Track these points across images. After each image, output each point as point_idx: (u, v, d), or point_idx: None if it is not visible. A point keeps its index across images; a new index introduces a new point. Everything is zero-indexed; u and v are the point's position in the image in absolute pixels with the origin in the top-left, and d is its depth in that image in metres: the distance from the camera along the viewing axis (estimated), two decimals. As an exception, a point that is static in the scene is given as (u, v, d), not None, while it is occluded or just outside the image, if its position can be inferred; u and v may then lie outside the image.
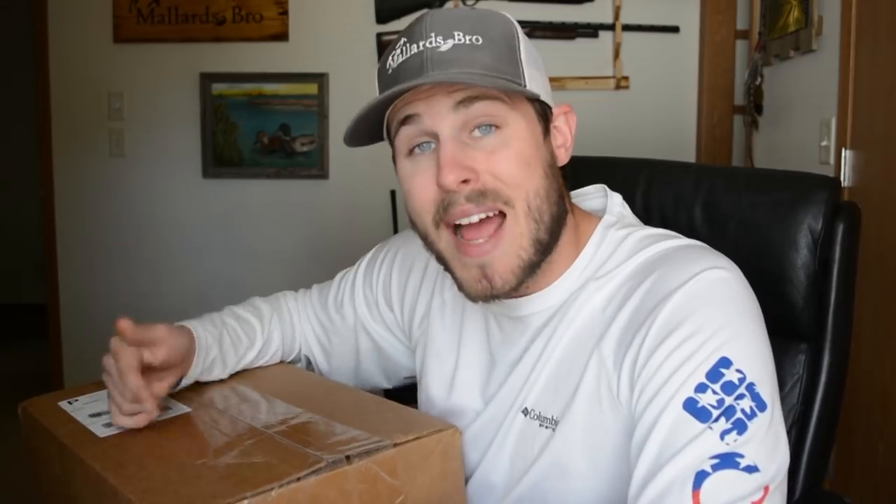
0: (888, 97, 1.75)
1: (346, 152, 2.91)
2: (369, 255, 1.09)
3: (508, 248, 0.77)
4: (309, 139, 2.91)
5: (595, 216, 0.87)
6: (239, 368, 1.00)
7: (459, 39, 0.76)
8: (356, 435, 0.75)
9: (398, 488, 0.73)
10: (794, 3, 2.22)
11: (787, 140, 2.37)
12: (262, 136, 2.91)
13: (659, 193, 1.10)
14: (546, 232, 0.78)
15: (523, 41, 0.80)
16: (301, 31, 2.87)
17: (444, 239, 0.79)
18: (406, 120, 0.78)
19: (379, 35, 2.84)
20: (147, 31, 2.87)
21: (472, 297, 0.80)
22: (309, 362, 1.13)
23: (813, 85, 2.15)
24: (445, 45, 0.75)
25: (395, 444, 0.74)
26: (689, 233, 0.89)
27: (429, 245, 0.82)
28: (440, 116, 0.76)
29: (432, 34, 0.76)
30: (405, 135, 0.79)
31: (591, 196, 0.92)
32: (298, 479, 0.68)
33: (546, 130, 0.81)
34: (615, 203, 0.89)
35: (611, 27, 2.80)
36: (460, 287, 0.81)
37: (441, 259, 0.82)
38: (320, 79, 2.88)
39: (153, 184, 2.94)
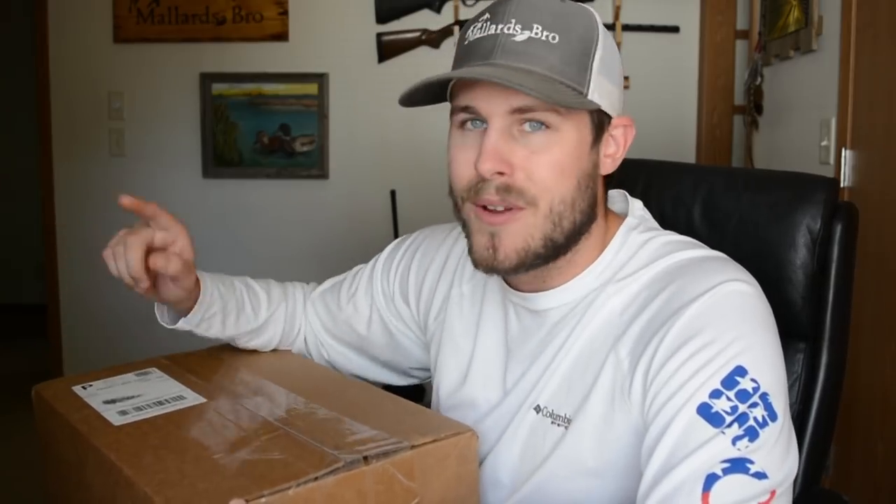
0: (888, 97, 1.75)
1: (346, 152, 2.91)
2: (390, 247, 1.10)
3: (519, 230, 0.78)
4: (309, 139, 2.91)
5: (620, 217, 0.89)
6: (236, 334, 1.01)
7: (536, 33, 0.76)
8: (373, 435, 0.75)
9: (414, 490, 0.73)
10: (794, 3, 2.22)
11: (787, 140, 2.37)
12: (262, 136, 2.91)
13: (658, 194, 1.10)
14: (562, 235, 0.80)
15: (602, 46, 0.80)
16: (301, 31, 2.87)
17: (467, 209, 0.82)
18: (464, 108, 0.79)
19: (379, 35, 2.84)
20: (147, 31, 2.87)
21: (477, 264, 0.82)
22: (310, 352, 1.13)
23: (813, 85, 2.15)
24: (521, 36, 0.76)
25: (413, 446, 0.73)
26: (688, 233, 0.89)
27: (457, 210, 0.84)
28: (495, 114, 0.77)
29: (513, 20, 0.76)
30: (460, 116, 0.81)
31: (613, 200, 0.93)
32: (316, 478, 0.67)
33: (598, 139, 0.81)
34: (636, 207, 0.90)
35: (611, 27, 2.80)
36: (471, 251, 0.83)
37: (464, 225, 0.84)
38: (320, 79, 2.88)
39: (153, 184, 2.94)
